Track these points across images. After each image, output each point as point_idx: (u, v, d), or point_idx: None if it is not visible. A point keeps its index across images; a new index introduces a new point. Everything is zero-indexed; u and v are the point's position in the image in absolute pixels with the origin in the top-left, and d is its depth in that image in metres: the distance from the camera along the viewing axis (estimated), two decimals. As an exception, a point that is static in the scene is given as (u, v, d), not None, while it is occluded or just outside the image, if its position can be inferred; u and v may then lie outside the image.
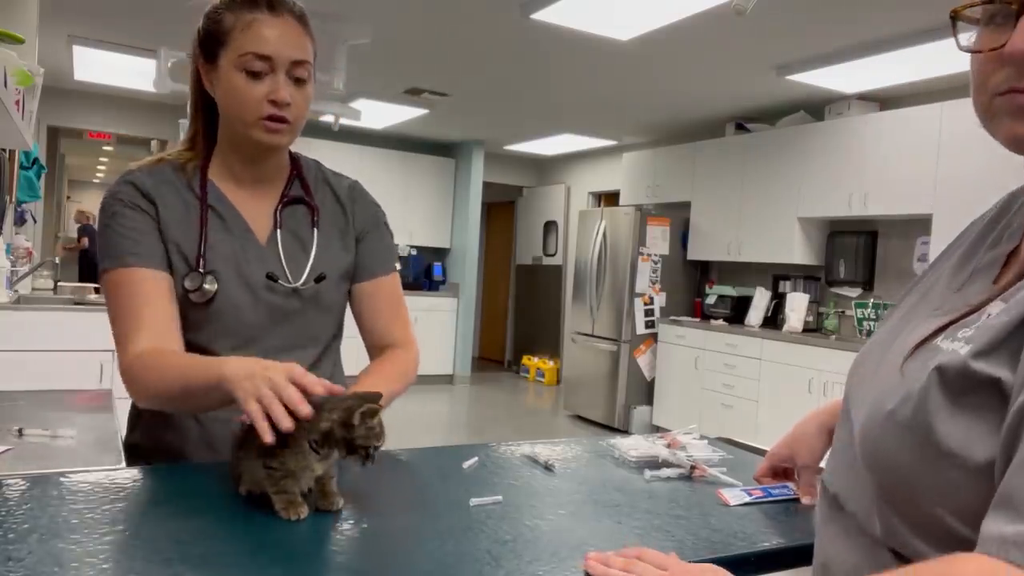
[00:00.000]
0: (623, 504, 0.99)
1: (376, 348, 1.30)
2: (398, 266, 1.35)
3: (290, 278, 1.21)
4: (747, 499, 1.06)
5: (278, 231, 1.22)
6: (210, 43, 1.14)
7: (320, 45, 1.21)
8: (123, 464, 1.28)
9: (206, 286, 1.14)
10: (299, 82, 1.14)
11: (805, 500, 1.06)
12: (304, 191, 1.28)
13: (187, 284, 1.14)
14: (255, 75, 1.11)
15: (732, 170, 5.82)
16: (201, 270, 1.15)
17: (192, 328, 1.16)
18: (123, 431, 1.48)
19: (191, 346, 1.15)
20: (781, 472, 1.12)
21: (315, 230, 1.25)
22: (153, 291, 1.12)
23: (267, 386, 0.88)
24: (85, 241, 10.59)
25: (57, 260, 6.04)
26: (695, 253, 6.16)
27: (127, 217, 1.14)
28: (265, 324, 1.19)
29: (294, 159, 1.30)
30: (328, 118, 4.89)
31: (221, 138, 1.21)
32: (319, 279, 1.23)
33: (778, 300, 5.59)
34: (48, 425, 1.45)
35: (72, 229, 11.65)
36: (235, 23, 1.12)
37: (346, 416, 0.88)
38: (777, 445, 1.10)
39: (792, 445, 1.08)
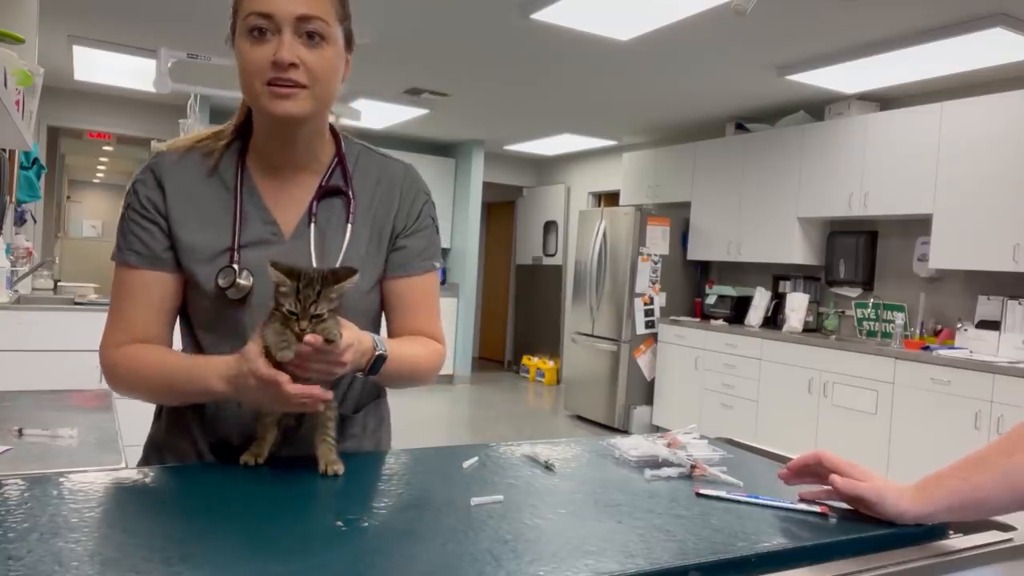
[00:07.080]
0: (624, 504, 0.99)
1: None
2: (438, 264, 1.24)
3: None
4: (721, 494, 1.03)
5: (311, 226, 1.12)
6: (232, 16, 1.06)
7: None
8: (123, 464, 1.27)
9: (241, 281, 1.07)
10: (313, 41, 1.03)
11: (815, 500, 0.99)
12: (344, 180, 1.17)
13: (220, 282, 1.07)
14: (260, 38, 1.02)
15: (732, 170, 5.83)
16: (235, 265, 1.07)
17: (228, 327, 1.10)
18: (123, 431, 1.49)
19: (224, 342, 1.09)
20: (810, 473, 1.03)
21: (349, 226, 1.14)
22: (142, 291, 1.10)
23: (267, 397, 0.97)
24: None
25: (57, 261, 6.01)
26: (695, 253, 6.16)
27: (138, 213, 1.11)
28: None
29: (340, 142, 1.20)
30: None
31: (254, 120, 1.13)
32: None
33: (778, 300, 5.59)
34: (48, 425, 1.45)
35: (71, 230, 11.63)
36: None
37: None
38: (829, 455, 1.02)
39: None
